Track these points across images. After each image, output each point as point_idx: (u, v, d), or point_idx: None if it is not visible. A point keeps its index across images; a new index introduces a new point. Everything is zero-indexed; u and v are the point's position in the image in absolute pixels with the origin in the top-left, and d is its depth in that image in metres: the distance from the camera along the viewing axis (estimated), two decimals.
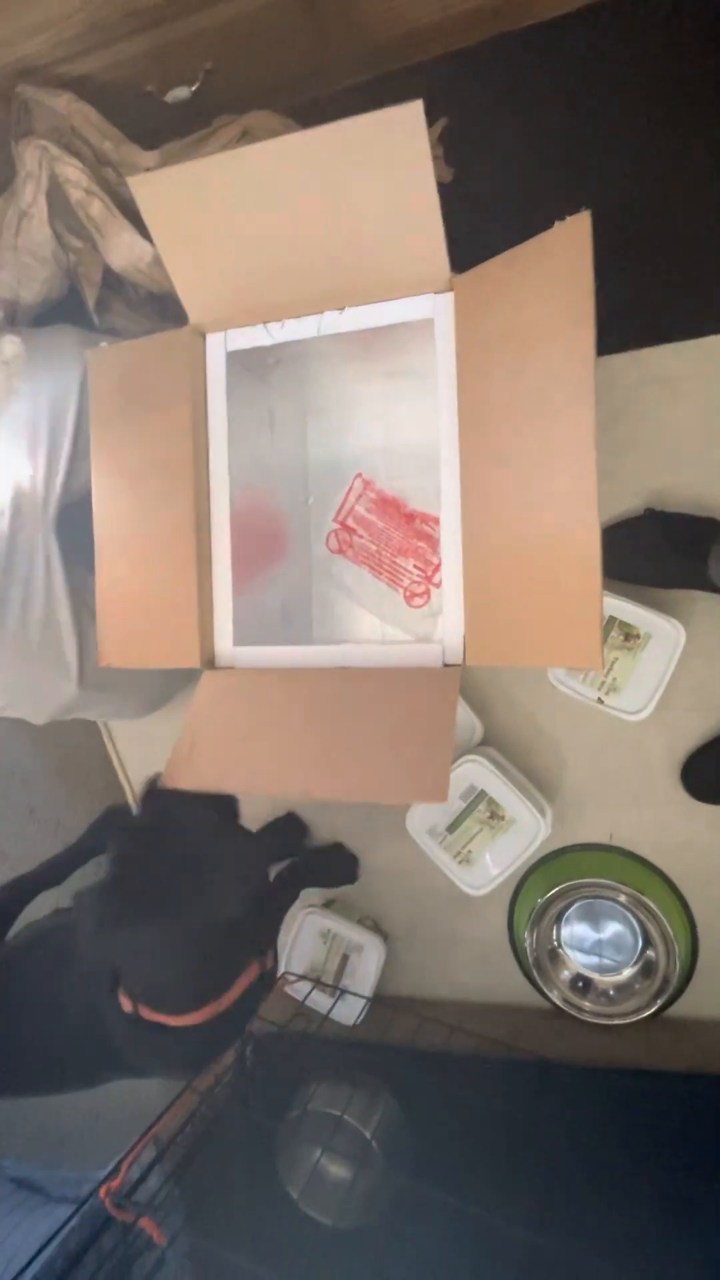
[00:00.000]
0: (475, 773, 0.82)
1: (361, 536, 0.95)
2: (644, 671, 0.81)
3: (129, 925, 0.56)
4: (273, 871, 0.88)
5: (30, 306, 0.94)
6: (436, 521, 0.91)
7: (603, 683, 0.82)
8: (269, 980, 0.67)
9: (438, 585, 0.92)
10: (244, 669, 0.75)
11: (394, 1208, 0.81)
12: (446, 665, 0.68)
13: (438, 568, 0.92)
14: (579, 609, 0.58)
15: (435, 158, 0.93)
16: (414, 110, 0.59)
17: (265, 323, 0.73)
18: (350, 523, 0.95)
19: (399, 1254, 0.77)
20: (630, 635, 0.81)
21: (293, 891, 0.92)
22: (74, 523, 0.94)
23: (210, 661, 0.75)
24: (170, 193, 0.64)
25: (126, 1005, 0.60)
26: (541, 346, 0.59)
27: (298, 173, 0.62)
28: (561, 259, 0.58)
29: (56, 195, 0.84)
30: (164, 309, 0.93)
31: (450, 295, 0.67)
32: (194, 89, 0.89)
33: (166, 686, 1.01)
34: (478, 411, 0.64)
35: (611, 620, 0.81)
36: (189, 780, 0.67)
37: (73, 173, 0.81)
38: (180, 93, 0.89)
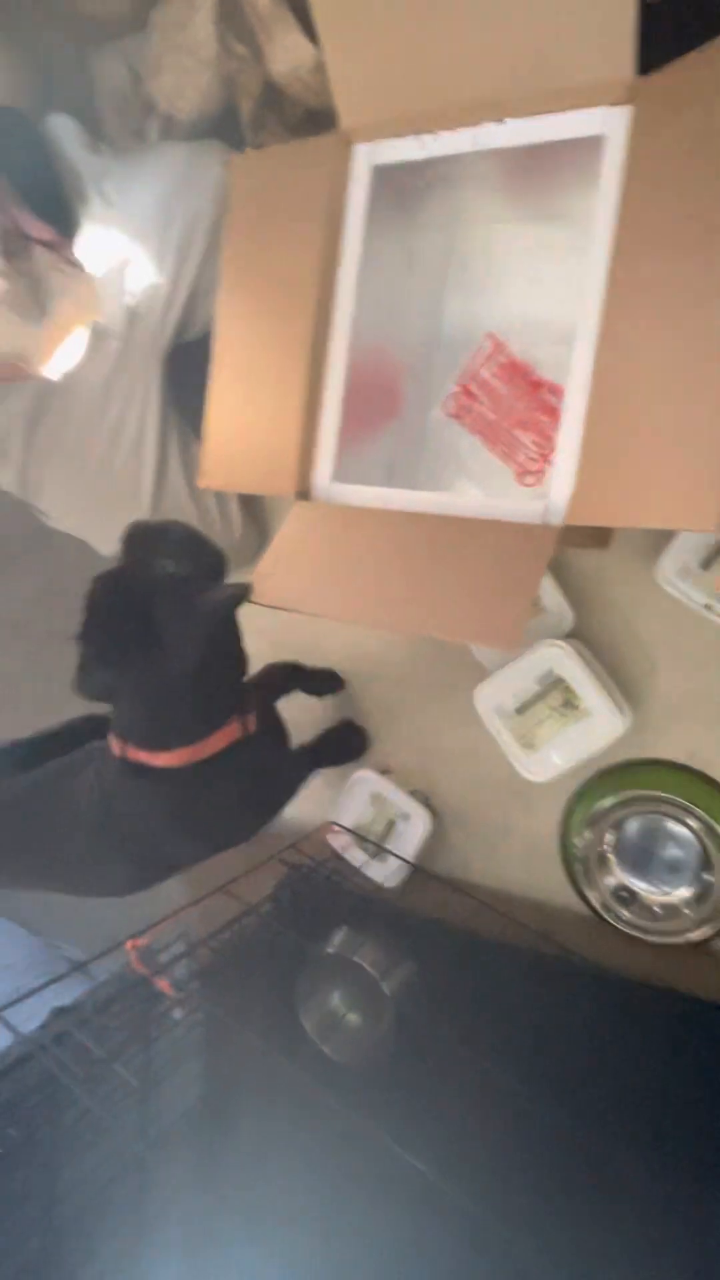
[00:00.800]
0: (556, 657, 0.78)
1: (482, 404, 0.90)
2: None
3: (103, 668, 0.59)
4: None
5: (184, 122, 0.92)
6: (564, 393, 0.85)
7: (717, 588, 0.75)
8: (257, 747, 0.70)
9: (554, 465, 0.86)
10: (338, 505, 0.73)
11: (396, 1059, 0.84)
12: (546, 524, 0.64)
13: (554, 446, 0.86)
14: (702, 465, 0.52)
15: None
16: None
17: (418, 133, 0.68)
18: (473, 388, 0.90)
19: (397, 1096, 0.80)
20: None
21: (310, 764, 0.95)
22: (184, 364, 0.94)
23: (305, 494, 0.75)
24: None
25: (116, 748, 0.65)
26: None
27: None
28: None
29: None
30: (320, 131, 0.88)
31: (626, 110, 0.59)
32: None
33: (231, 553, 1.02)
34: (636, 237, 0.57)
35: None
36: (269, 597, 0.67)
37: None
38: None
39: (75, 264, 0.76)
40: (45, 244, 0.70)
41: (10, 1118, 0.58)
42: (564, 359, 0.66)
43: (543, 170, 0.72)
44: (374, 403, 0.85)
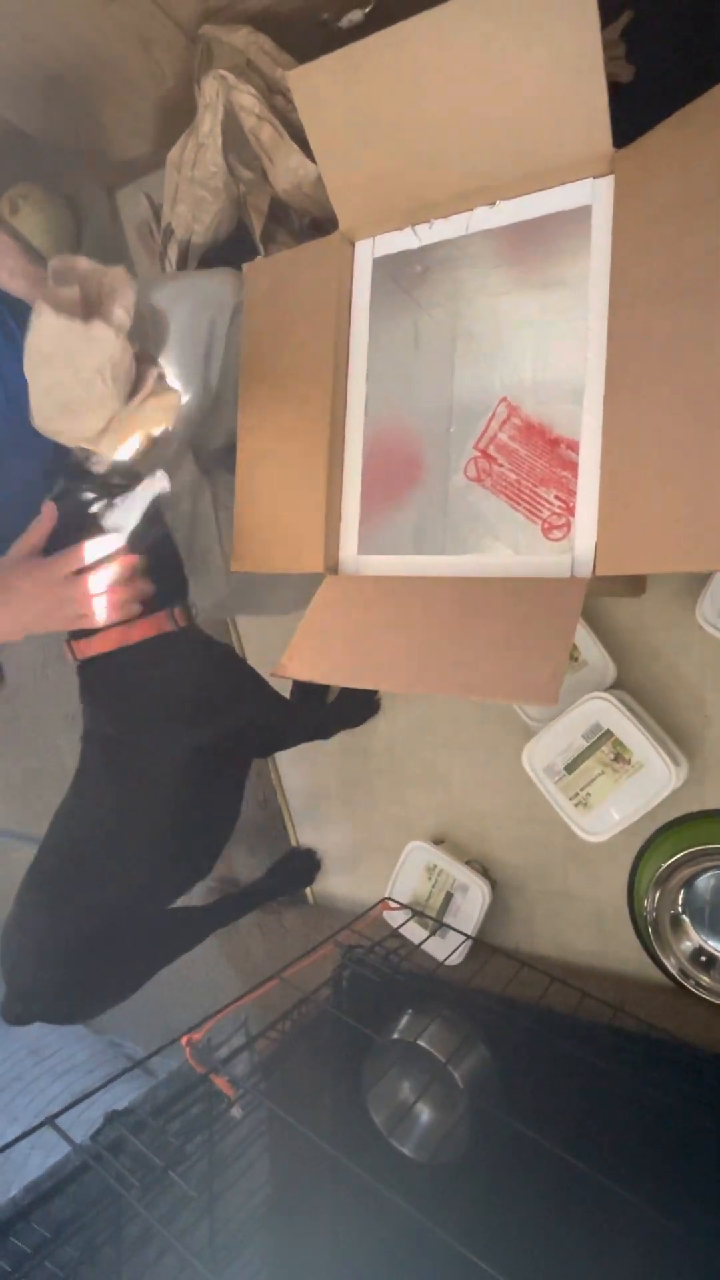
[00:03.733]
0: (602, 710, 0.76)
1: (502, 465, 0.91)
2: None
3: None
4: None
5: (200, 245, 1.00)
6: (580, 447, 0.86)
7: None
8: (187, 639, 0.78)
9: (576, 518, 0.87)
10: (366, 575, 0.75)
11: (472, 1152, 0.78)
12: (574, 577, 0.63)
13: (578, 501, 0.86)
14: (717, 504, 0.52)
15: (615, 56, 0.87)
16: None
17: (414, 225, 0.72)
18: (491, 451, 0.92)
19: (473, 1192, 0.74)
20: None
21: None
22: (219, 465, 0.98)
23: (334, 568, 0.76)
24: (326, 83, 0.65)
25: (68, 655, 0.75)
26: (709, 209, 0.53)
27: (455, 45, 0.60)
28: None
29: (231, 127, 0.88)
30: (324, 236, 0.95)
31: (610, 179, 0.62)
32: (368, 11, 0.89)
33: (304, 589, 1.04)
34: (631, 293, 0.58)
35: None
36: (299, 671, 0.68)
37: (247, 99, 0.84)
38: (355, 16, 0.90)
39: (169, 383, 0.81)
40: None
41: (69, 1236, 0.55)
42: (577, 415, 0.67)
43: (535, 243, 0.75)
44: (396, 472, 0.87)
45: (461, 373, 0.92)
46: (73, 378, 0.67)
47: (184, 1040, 0.62)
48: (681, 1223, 0.57)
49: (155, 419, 0.76)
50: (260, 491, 0.80)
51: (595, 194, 0.63)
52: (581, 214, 0.64)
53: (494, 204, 0.68)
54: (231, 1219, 0.69)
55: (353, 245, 0.76)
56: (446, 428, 0.94)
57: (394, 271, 0.77)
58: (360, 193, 0.71)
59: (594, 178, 0.63)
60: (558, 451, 0.87)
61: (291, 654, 0.70)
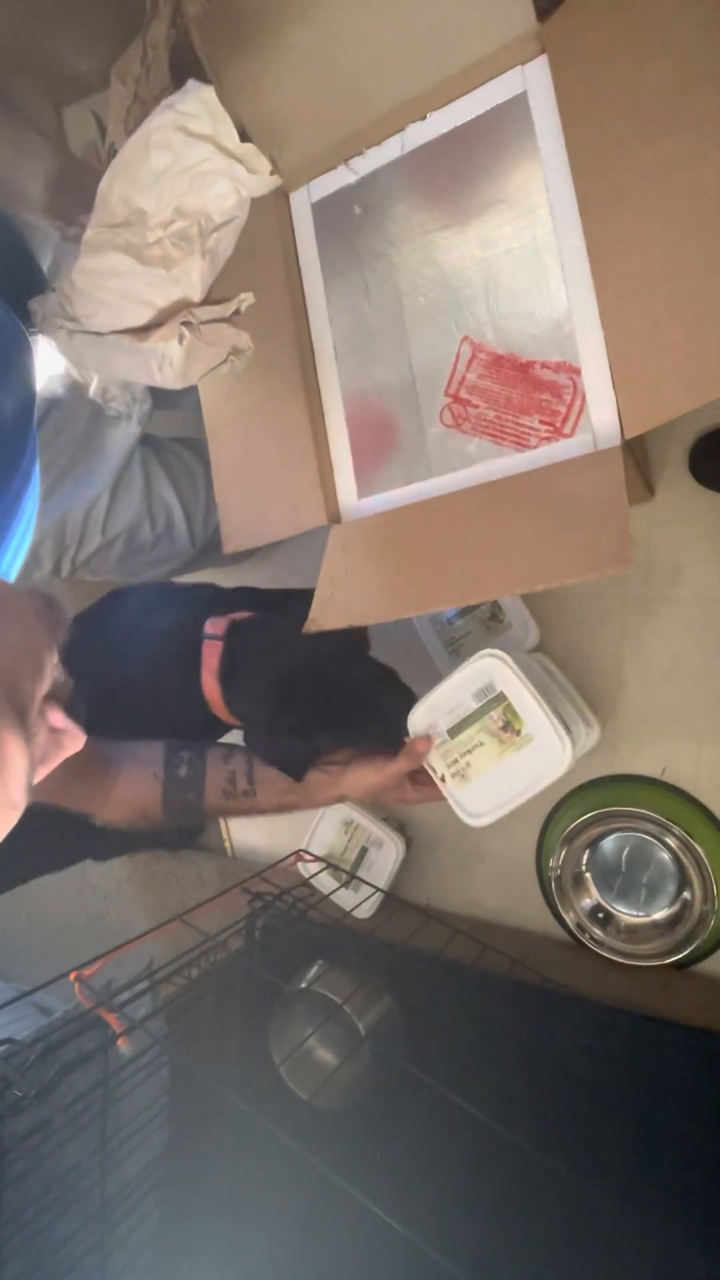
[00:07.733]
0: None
1: (477, 405, 0.89)
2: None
3: None
4: None
5: None
6: (556, 365, 0.84)
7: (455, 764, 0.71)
8: None
9: (569, 435, 0.84)
10: (373, 515, 0.71)
11: (371, 1099, 0.80)
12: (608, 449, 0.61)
13: (565, 417, 0.84)
14: None
15: None
16: None
17: (347, 160, 0.69)
18: (463, 394, 0.90)
19: (370, 1137, 0.76)
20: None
21: None
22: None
23: (336, 517, 0.74)
24: (230, 27, 0.62)
25: None
26: (663, 29, 0.51)
27: None
28: None
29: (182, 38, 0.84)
30: None
31: (541, 60, 0.60)
32: None
33: None
34: (595, 150, 0.56)
35: None
36: (338, 619, 0.63)
37: (194, 8, 0.80)
38: None
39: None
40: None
41: None
42: (543, 333, 0.65)
43: (473, 157, 0.71)
44: (375, 432, 0.85)
45: (414, 321, 0.90)
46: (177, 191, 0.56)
47: (73, 975, 0.61)
48: (560, 1160, 0.59)
49: (218, 353, 0.65)
50: (239, 462, 0.76)
51: (527, 79, 0.61)
52: (518, 104, 0.62)
53: (425, 117, 0.66)
54: (125, 1160, 0.69)
55: (287, 197, 0.73)
56: (412, 380, 0.91)
57: (335, 220, 0.74)
58: (285, 137, 0.68)
59: (522, 64, 0.61)
60: (531, 374, 0.85)
61: (320, 606, 0.65)
